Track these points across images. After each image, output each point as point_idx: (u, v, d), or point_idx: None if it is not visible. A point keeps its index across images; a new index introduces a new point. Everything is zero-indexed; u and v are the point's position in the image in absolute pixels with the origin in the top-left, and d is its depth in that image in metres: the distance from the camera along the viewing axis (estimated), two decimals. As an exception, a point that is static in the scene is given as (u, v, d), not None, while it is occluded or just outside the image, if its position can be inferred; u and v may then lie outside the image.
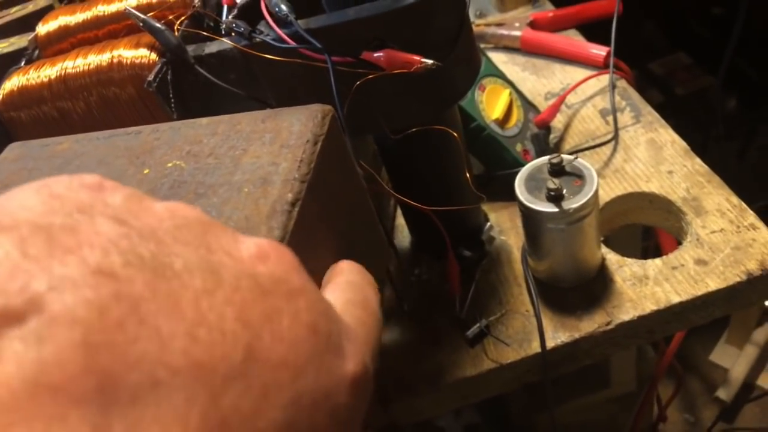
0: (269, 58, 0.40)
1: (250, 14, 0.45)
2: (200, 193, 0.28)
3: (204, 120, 0.33)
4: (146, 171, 0.31)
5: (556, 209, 0.45)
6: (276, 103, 0.46)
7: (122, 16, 0.51)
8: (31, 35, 0.53)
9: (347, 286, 0.26)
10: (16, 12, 0.62)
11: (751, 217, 0.53)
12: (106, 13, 0.51)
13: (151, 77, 0.43)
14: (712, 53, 1.14)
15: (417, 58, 0.38)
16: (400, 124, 0.45)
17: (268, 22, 0.41)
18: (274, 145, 0.29)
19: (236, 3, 0.45)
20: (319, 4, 0.43)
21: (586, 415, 0.96)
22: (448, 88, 0.45)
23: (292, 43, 0.40)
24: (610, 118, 0.66)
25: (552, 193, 0.45)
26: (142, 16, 0.44)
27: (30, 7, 0.60)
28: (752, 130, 1.33)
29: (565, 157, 0.47)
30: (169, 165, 0.31)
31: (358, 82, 0.38)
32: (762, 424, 1.23)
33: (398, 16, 0.39)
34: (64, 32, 0.52)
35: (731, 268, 0.49)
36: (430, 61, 0.38)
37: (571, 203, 0.44)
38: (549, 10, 0.84)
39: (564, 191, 0.45)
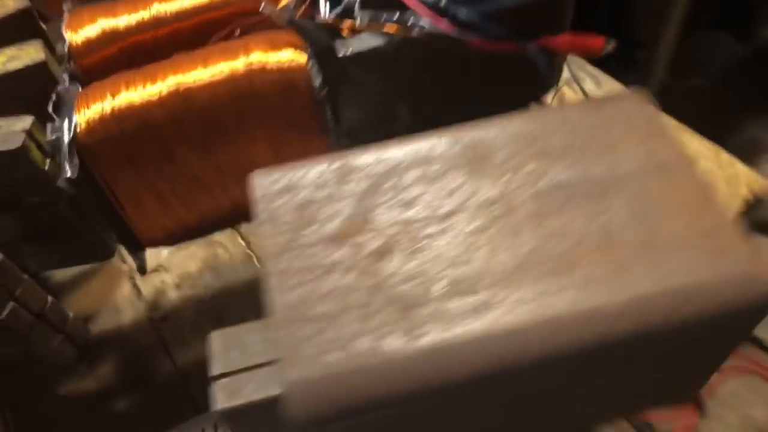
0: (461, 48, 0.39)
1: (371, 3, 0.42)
2: (600, 191, 0.28)
3: (521, 119, 0.31)
4: (505, 179, 0.29)
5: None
6: (412, 97, 0.44)
7: (188, 13, 0.43)
8: (61, 45, 0.41)
9: None
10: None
11: (726, 154, 0.66)
12: (168, 13, 0.42)
13: (317, 82, 0.38)
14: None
15: (601, 40, 0.40)
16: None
17: (419, 12, 0.40)
18: (635, 134, 0.30)
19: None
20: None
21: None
22: (553, 77, 0.48)
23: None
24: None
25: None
26: (287, 13, 0.38)
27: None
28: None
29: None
30: (527, 169, 0.29)
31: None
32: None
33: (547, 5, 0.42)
34: (111, 37, 0.42)
35: (730, 200, 0.62)
36: (611, 45, 0.41)
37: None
38: None
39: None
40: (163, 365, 0.60)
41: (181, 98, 0.37)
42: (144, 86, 0.37)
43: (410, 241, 0.27)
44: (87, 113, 0.37)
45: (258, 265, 0.67)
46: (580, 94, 0.60)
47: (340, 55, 0.39)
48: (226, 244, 0.69)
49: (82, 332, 0.47)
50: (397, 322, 0.25)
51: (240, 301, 0.64)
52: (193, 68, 0.37)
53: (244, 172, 0.40)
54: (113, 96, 0.37)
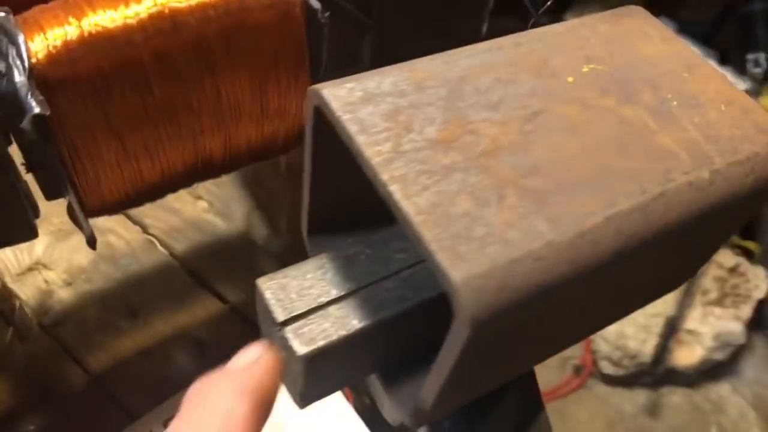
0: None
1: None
2: (651, 86, 0.30)
3: (557, 27, 0.32)
4: (570, 79, 0.30)
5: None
6: (376, 38, 0.43)
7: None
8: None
9: None
10: None
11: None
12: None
13: (316, 5, 0.34)
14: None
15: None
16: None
17: None
18: (654, 40, 0.33)
19: None
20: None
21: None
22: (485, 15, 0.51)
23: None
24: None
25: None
26: None
27: None
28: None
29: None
30: (585, 69, 0.30)
31: None
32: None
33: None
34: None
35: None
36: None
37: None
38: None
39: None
40: (72, 375, 0.50)
41: (167, 22, 0.31)
42: (117, 7, 0.31)
43: (514, 139, 0.27)
44: (45, 41, 0.29)
45: (161, 250, 0.60)
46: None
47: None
48: (117, 229, 0.60)
49: (29, 326, 0.38)
50: (540, 211, 0.25)
51: (153, 290, 0.57)
52: (175, -13, 0.32)
53: (223, 116, 0.36)
54: (78, 19, 0.30)
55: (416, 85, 0.28)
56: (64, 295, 0.54)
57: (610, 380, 1.45)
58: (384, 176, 0.24)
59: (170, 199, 0.46)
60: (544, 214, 0.24)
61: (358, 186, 0.33)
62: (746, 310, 1.44)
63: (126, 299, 0.55)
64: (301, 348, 0.27)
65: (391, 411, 0.44)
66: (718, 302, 1.47)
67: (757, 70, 1.41)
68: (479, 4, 0.48)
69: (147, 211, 0.61)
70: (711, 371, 1.46)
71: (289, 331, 0.28)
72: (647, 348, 1.40)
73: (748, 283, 1.49)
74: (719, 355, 1.44)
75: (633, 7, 0.35)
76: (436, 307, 0.31)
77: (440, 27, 0.47)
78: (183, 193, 0.51)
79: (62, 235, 0.48)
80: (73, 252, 0.57)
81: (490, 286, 0.22)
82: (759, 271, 1.46)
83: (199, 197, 0.63)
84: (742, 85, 1.42)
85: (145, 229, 0.60)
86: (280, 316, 0.28)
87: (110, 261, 0.57)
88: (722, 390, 1.54)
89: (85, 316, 0.53)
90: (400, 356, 0.32)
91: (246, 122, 0.36)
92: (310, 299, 0.29)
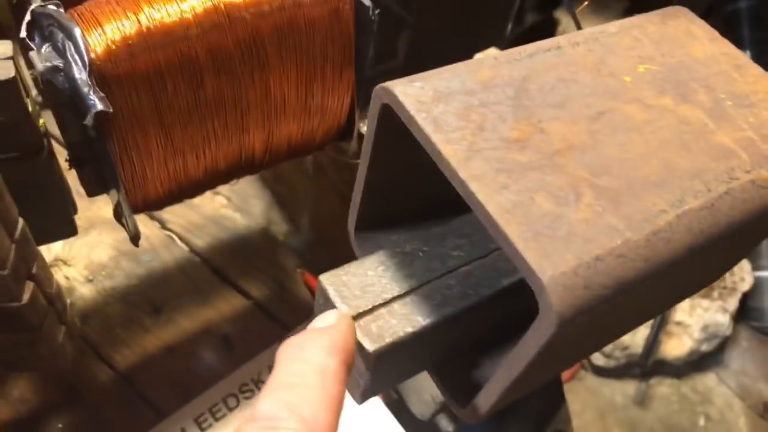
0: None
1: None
2: (705, 86, 0.31)
3: (609, 26, 0.33)
4: (627, 78, 0.30)
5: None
6: (412, 33, 0.43)
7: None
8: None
9: None
10: None
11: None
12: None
13: (368, 2, 0.34)
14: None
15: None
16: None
17: None
18: (702, 40, 0.33)
19: None
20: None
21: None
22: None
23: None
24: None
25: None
26: None
27: None
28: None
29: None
30: (640, 70, 0.31)
31: None
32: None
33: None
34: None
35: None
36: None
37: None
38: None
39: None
40: (98, 372, 0.50)
41: (223, 17, 0.31)
42: (172, 2, 0.30)
43: (583, 139, 0.27)
44: (103, 36, 0.29)
45: (182, 246, 0.60)
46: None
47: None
48: (135, 226, 0.59)
49: (77, 326, 0.37)
50: (615, 210, 0.25)
51: (176, 287, 0.57)
52: (230, -17, 0.32)
53: (268, 112, 0.36)
54: (135, 14, 0.30)
55: (484, 84, 0.28)
56: (85, 291, 0.54)
57: (602, 372, 1.47)
58: (464, 174, 0.25)
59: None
60: (619, 213, 0.25)
61: (413, 183, 0.34)
62: (732, 303, 1.47)
63: (148, 296, 0.54)
64: (370, 345, 0.27)
65: (420, 406, 0.44)
66: (706, 294, 1.50)
67: (743, 69, 1.44)
68: (506, 4, 0.48)
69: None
70: (698, 362, 1.49)
71: (356, 328, 0.28)
72: (638, 340, 1.43)
73: (733, 276, 1.52)
74: (706, 347, 1.47)
75: (678, 7, 0.36)
76: (495, 303, 0.31)
77: (469, 25, 0.48)
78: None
79: (81, 231, 0.48)
80: (92, 248, 0.56)
81: (577, 283, 0.23)
82: (744, 264, 1.49)
83: (217, 193, 0.63)
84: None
85: (163, 225, 0.60)
86: (346, 312, 0.28)
87: (131, 257, 0.57)
88: (709, 380, 1.57)
89: (108, 313, 0.53)
90: (456, 352, 0.32)
91: (289, 119, 0.36)
92: (374, 296, 0.29)
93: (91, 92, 0.28)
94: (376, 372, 0.29)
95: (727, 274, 1.53)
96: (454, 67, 0.29)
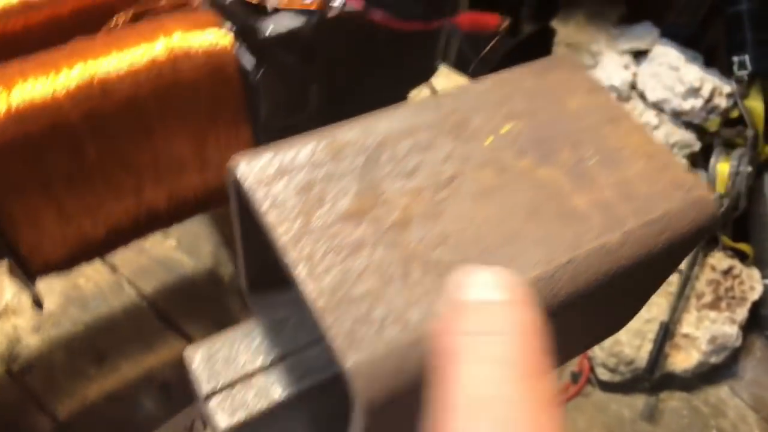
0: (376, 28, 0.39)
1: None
2: (570, 144, 0.31)
3: (483, 82, 0.33)
4: (488, 141, 0.30)
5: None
6: (324, 80, 0.44)
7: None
8: None
9: None
10: None
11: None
12: (42, -3, 0.36)
13: (249, 65, 0.35)
14: None
15: (498, 17, 0.44)
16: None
17: None
18: (579, 92, 0.33)
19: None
20: None
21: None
22: (437, 59, 0.51)
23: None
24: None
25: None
26: None
27: None
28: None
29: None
30: (504, 129, 0.31)
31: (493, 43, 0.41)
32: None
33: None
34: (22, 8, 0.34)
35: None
36: (505, 22, 0.44)
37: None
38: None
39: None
40: (39, 422, 0.51)
41: (97, 90, 0.32)
42: (47, 77, 0.31)
43: (425, 208, 0.27)
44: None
45: (130, 291, 0.61)
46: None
47: (263, 35, 0.37)
48: (86, 271, 0.60)
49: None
50: (442, 287, 0.25)
51: (121, 333, 0.58)
52: (105, 54, 0.32)
53: (164, 172, 0.37)
54: (8, 90, 0.31)
55: (334, 154, 0.28)
56: (31, 341, 0.55)
57: (608, 387, 1.44)
58: (290, 257, 0.25)
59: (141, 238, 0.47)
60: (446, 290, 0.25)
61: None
62: (741, 313, 1.43)
63: (93, 343, 0.55)
64: (222, 421, 0.28)
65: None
66: (713, 305, 1.47)
67: (742, 72, 1.41)
68: (430, 44, 0.48)
69: (116, 251, 0.61)
70: (709, 374, 1.46)
71: (213, 403, 0.28)
72: (642, 354, 1.40)
73: (742, 285, 1.48)
74: (715, 359, 1.44)
75: (563, 56, 0.35)
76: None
77: (391, 68, 0.48)
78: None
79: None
80: (42, 296, 0.58)
81: (385, 370, 0.23)
82: (753, 272, 1.45)
83: (168, 235, 0.64)
84: (727, 87, 1.41)
85: (114, 270, 0.61)
86: (206, 388, 0.29)
87: (79, 304, 0.58)
88: (721, 393, 1.53)
89: (52, 361, 0.54)
90: (329, 425, 0.32)
91: (189, 175, 0.37)
92: (236, 369, 0.29)
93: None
94: None
95: (736, 283, 1.50)
96: (310, 135, 0.29)
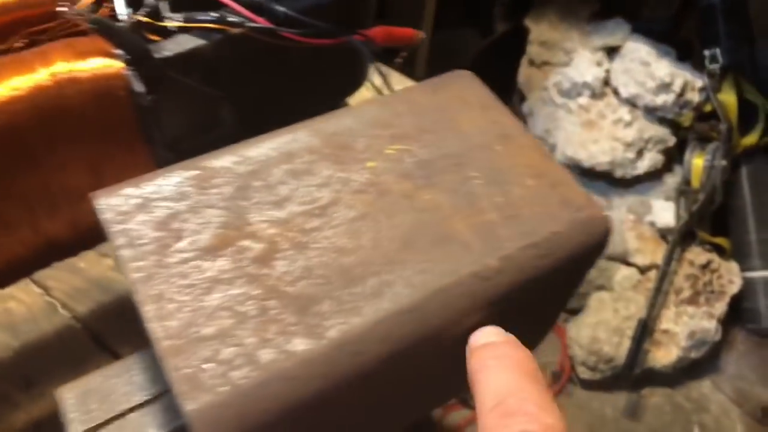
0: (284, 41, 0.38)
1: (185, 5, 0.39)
2: (457, 164, 0.29)
3: (372, 102, 0.31)
4: (371, 164, 0.29)
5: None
6: (235, 99, 0.42)
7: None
8: None
9: None
10: None
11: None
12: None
13: (140, 88, 0.34)
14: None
15: (413, 31, 0.42)
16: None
17: (235, 9, 0.38)
18: (473, 109, 0.32)
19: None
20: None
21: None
22: (363, 70, 0.50)
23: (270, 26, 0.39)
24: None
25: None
26: (93, 15, 0.33)
27: None
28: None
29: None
30: (389, 151, 0.30)
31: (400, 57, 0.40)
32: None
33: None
34: None
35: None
36: (421, 35, 0.43)
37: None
38: None
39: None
40: (-37, 453, 0.50)
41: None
42: None
43: (293, 239, 0.26)
44: None
45: (63, 313, 0.59)
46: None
47: (158, 57, 0.36)
48: (18, 295, 0.59)
49: None
50: (299, 324, 0.24)
51: (51, 358, 0.56)
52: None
53: (59, 200, 0.36)
54: None
55: (201, 184, 0.27)
56: (-42, 368, 0.54)
57: (589, 385, 1.44)
58: (141, 295, 0.24)
59: (76, 258, 0.45)
60: (304, 326, 0.24)
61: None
62: (720, 307, 1.43)
63: (22, 369, 0.54)
64: None
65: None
66: (691, 300, 1.46)
67: (714, 66, 1.39)
68: (347, 59, 0.47)
69: (51, 273, 0.60)
70: (691, 369, 1.45)
71: None
72: (622, 351, 1.39)
73: (721, 279, 1.47)
74: (695, 354, 1.43)
75: (459, 72, 0.34)
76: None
77: (311, 85, 0.47)
78: (89, 252, 0.51)
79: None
80: (-29, 322, 0.56)
81: (230, 414, 0.22)
82: (732, 266, 1.45)
83: (105, 255, 0.63)
84: (699, 81, 1.40)
85: (47, 292, 0.60)
86: (78, 429, 0.27)
87: (8, 329, 0.56)
88: (703, 388, 1.52)
89: (-22, 389, 0.52)
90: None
91: (90, 202, 0.35)
92: (111, 406, 0.28)
93: None
94: None
95: (714, 278, 1.49)
96: (180, 165, 0.28)
